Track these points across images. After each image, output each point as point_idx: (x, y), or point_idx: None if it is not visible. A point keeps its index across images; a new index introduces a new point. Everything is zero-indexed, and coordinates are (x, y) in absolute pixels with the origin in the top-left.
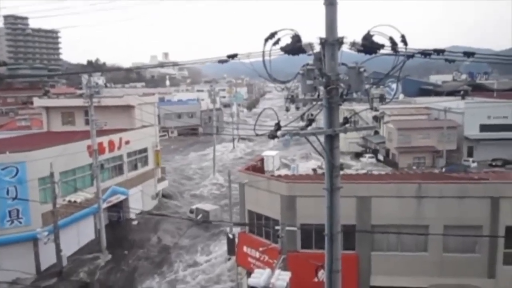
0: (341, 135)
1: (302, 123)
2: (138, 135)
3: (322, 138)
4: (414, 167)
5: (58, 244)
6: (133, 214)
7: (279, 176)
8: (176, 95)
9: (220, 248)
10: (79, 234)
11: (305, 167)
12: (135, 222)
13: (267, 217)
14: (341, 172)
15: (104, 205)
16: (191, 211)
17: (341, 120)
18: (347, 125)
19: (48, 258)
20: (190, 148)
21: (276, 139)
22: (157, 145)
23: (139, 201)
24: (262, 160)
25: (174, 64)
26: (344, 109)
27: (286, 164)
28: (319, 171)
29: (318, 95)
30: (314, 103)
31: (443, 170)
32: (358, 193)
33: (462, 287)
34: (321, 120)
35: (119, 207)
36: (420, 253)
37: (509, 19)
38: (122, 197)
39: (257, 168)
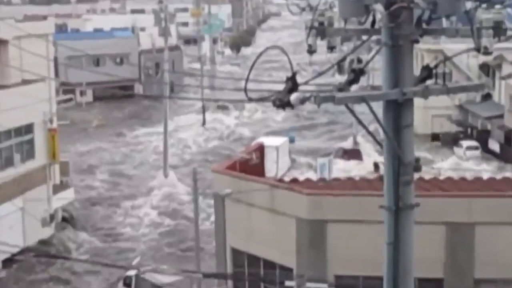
0: (418, 102)
1: (339, 78)
2: (13, 98)
3: (379, 109)
4: None
5: None
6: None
7: (294, 181)
8: (90, 19)
9: None
10: None
11: (349, 166)
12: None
13: (270, 262)
14: (417, 175)
15: None
16: (127, 284)
17: (417, 72)
18: (429, 82)
19: None
20: (119, 125)
21: (286, 109)
22: (53, 120)
23: (17, 228)
24: (260, 149)
25: None
26: (424, 51)
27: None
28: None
29: (373, 23)
30: (363, 38)
31: None
32: (449, 216)
33: None
34: (377, 74)
35: None
36: None
37: None
38: None
39: (251, 166)
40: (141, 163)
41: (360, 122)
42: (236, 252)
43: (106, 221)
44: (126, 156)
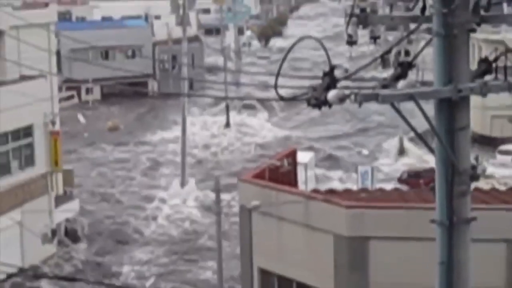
0: (475, 101)
1: (383, 73)
2: (11, 97)
3: (430, 108)
4: None
5: None
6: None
7: (331, 192)
8: (98, 6)
9: None
10: None
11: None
12: None
13: (304, 285)
14: (474, 185)
15: None
16: None
17: (474, 66)
18: (487, 78)
19: None
20: (132, 126)
21: (323, 107)
22: (55, 121)
23: (14, 246)
24: (292, 155)
25: None
26: (482, 42)
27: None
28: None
29: (423, 9)
30: (411, 27)
31: None
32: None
33: None
34: (427, 68)
35: None
36: None
37: None
38: None
39: (282, 174)
40: (156, 168)
41: (405, 120)
42: (264, 274)
43: (119, 235)
44: (139, 161)
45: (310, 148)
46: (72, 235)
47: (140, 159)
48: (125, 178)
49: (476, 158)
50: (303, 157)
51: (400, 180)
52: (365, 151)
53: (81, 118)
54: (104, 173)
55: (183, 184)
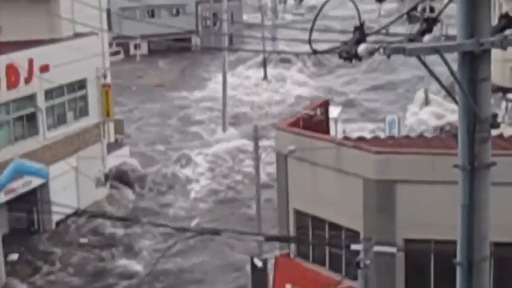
0: (496, 54)
1: (410, 28)
2: (66, 53)
3: (453, 61)
4: None
5: None
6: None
7: (361, 139)
8: None
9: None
10: None
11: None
12: (84, 240)
13: (335, 225)
14: (495, 132)
15: (1, 197)
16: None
17: (495, 21)
18: (507, 32)
19: None
20: (176, 81)
21: (355, 61)
22: (106, 75)
23: (71, 189)
24: (325, 104)
25: None
26: None
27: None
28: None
29: None
30: None
31: None
32: None
33: None
34: (451, 23)
35: (31, 202)
36: None
37: None
38: (36, 182)
39: (315, 123)
40: (199, 119)
41: (431, 72)
42: (299, 215)
43: (166, 178)
44: (184, 112)
45: (342, 102)
46: (123, 179)
47: (184, 112)
48: (169, 128)
49: (506, 107)
50: (332, 111)
51: (443, 131)
52: (394, 116)
53: (139, 73)
54: (149, 125)
55: (224, 129)
